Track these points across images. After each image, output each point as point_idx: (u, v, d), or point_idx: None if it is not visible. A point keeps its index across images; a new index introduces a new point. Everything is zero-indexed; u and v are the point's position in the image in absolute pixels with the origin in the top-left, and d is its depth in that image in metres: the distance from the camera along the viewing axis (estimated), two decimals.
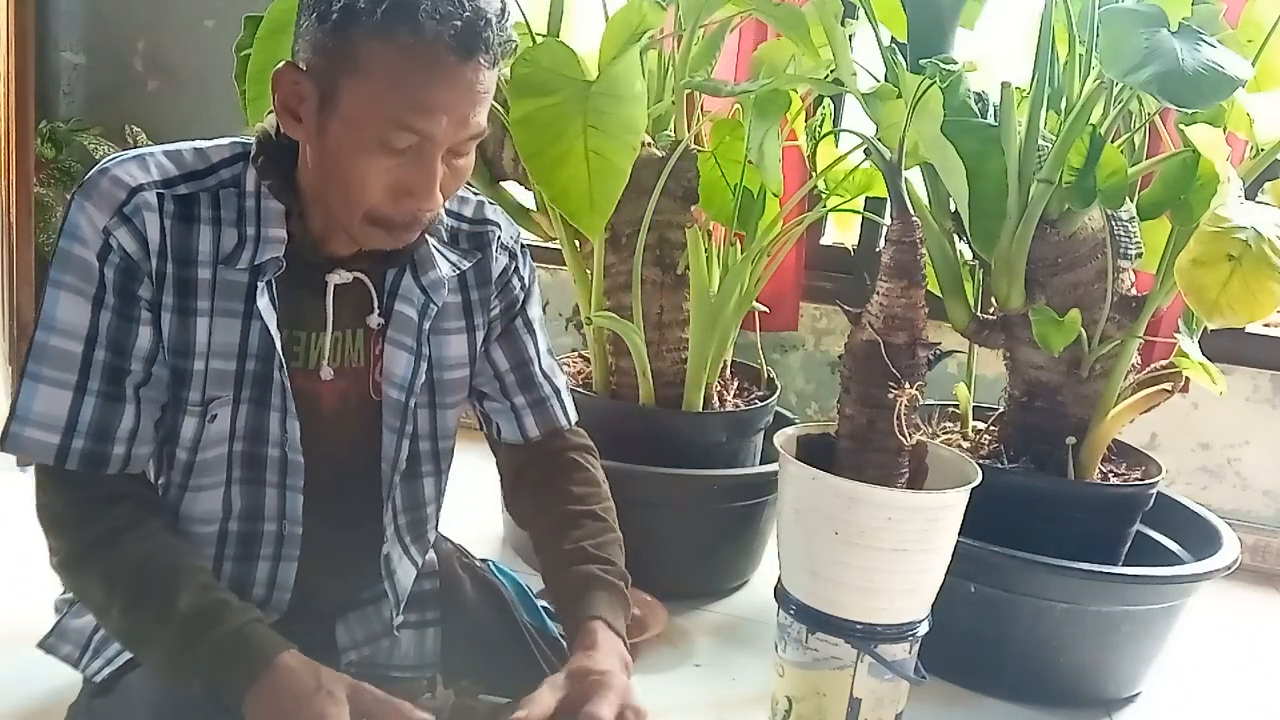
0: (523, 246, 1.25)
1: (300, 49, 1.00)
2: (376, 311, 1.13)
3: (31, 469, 1.05)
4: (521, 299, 1.24)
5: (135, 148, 1.19)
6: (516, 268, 1.23)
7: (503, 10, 1.00)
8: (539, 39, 1.95)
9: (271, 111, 1.06)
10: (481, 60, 0.97)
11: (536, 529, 1.22)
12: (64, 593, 1.20)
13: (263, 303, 1.04)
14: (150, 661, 1.04)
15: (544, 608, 1.31)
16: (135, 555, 1.01)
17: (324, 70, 0.98)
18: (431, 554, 1.28)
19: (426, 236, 1.11)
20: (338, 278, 1.10)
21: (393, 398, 1.15)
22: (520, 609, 1.29)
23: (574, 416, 1.28)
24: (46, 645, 1.19)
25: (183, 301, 1.04)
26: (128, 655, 1.10)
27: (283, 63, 1.01)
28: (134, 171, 1.02)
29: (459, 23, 0.95)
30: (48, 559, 1.05)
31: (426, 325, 1.15)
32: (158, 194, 1.02)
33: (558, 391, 1.26)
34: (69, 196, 1.04)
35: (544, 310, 1.31)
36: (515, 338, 1.24)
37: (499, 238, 1.21)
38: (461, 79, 0.98)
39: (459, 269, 1.17)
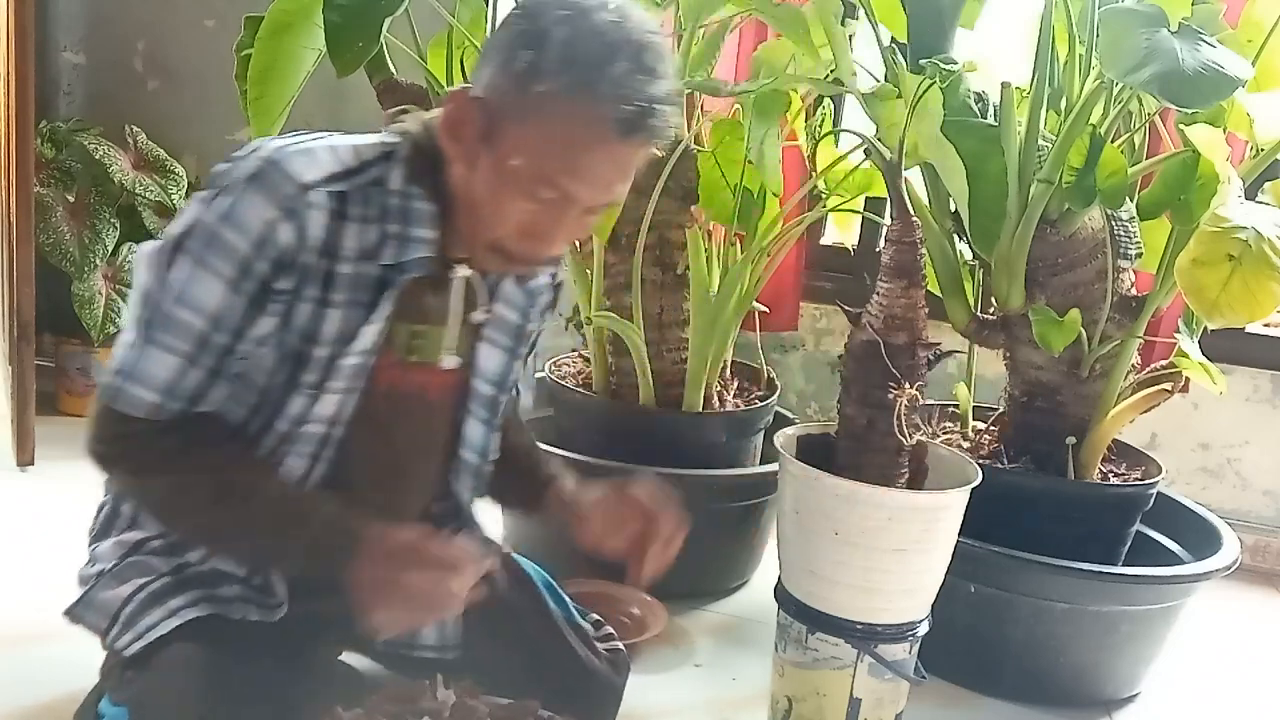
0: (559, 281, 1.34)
1: (480, 79, 1.06)
2: (483, 308, 1.20)
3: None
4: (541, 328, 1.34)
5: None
6: (555, 300, 1.33)
7: (672, 96, 1.05)
8: None
9: (421, 116, 1.13)
10: (640, 142, 1.04)
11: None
12: (89, 565, 1.22)
13: (388, 298, 1.11)
14: (239, 551, 1.13)
15: (570, 598, 1.38)
16: (212, 457, 1.09)
17: (496, 108, 1.04)
18: None
19: None
20: (461, 272, 1.17)
21: (484, 392, 1.24)
22: (549, 598, 1.36)
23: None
24: (73, 614, 1.21)
25: (322, 294, 1.09)
26: (161, 630, 1.13)
27: (460, 86, 1.07)
28: (303, 168, 1.06)
29: (634, 105, 1.01)
30: (106, 481, 1.12)
31: (529, 325, 1.26)
32: (325, 193, 1.06)
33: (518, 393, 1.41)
34: (222, 177, 1.05)
35: None
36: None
37: (555, 272, 1.31)
38: (618, 155, 1.05)
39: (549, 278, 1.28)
